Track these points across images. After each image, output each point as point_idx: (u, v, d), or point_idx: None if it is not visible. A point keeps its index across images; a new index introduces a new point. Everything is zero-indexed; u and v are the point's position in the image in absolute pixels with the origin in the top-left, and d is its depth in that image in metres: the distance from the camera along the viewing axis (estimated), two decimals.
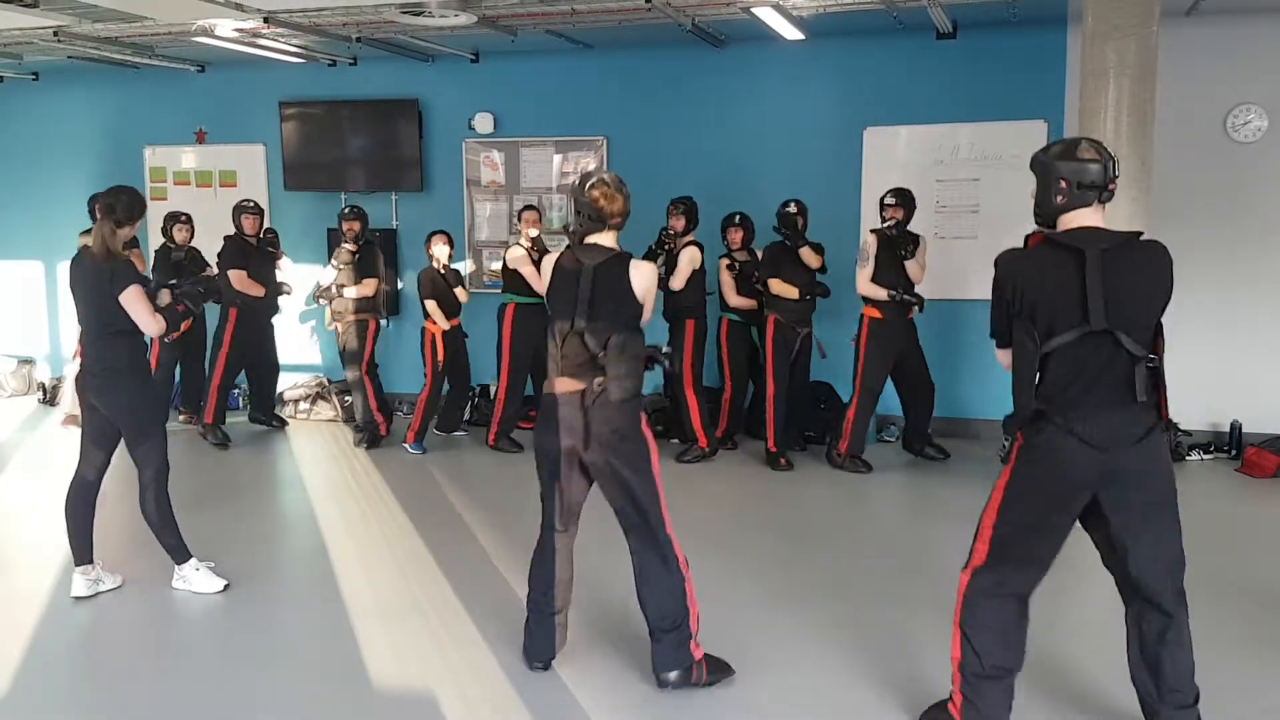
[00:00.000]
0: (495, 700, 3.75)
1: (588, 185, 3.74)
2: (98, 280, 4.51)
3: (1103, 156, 3.13)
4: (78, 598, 4.67)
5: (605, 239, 3.76)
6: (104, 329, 4.55)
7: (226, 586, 4.74)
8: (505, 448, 7.51)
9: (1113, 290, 3.02)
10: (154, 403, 4.77)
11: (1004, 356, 3.27)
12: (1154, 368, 3.06)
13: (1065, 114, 7.21)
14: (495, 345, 7.63)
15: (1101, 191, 3.12)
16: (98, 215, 4.54)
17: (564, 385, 3.71)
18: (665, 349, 3.90)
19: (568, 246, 3.84)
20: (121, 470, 4.90)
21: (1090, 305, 3.01)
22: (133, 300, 4.47)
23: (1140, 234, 3.18)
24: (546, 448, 3.77)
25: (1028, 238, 3.22)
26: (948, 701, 3.40)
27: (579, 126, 8.44)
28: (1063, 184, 3.12)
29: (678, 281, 6.97)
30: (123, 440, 4.68)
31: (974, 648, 3.26)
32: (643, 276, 3.72)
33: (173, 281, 5.03)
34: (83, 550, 4.74)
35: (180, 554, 4.77)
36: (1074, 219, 3.14)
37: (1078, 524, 3.25)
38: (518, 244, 7.54)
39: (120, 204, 4.54)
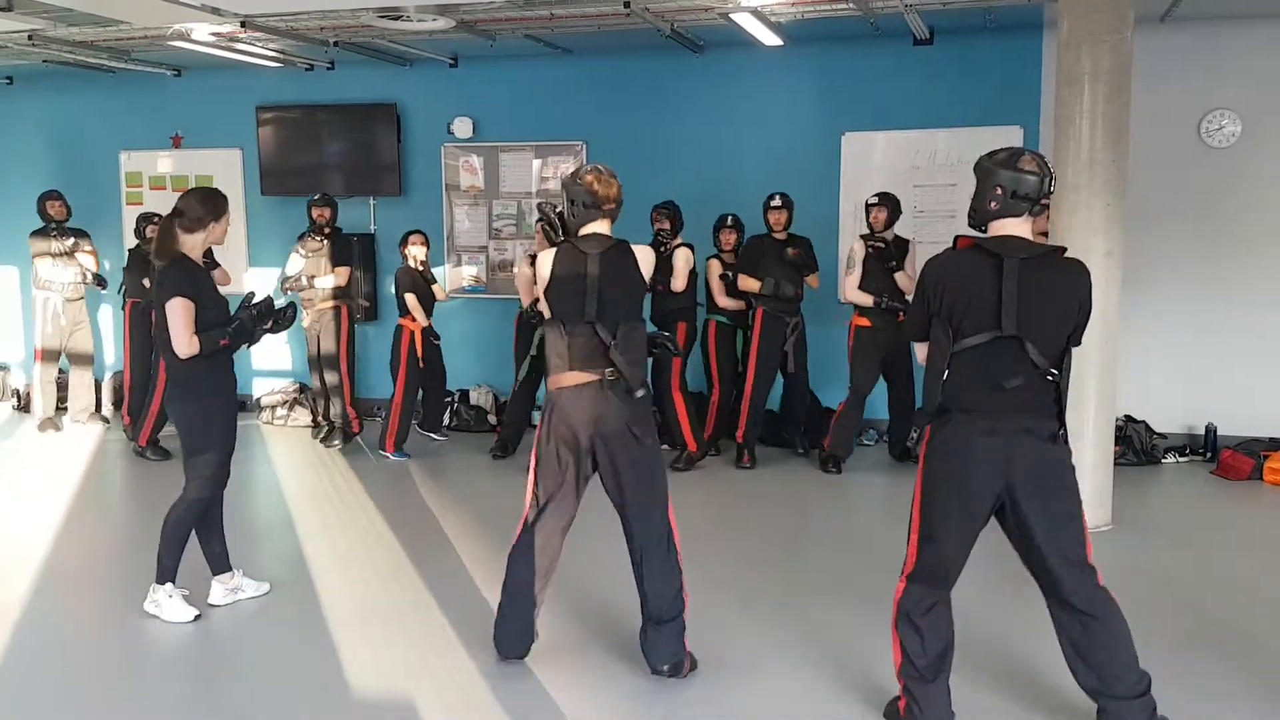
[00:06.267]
0: (474, 704, 3.74)
1: (581, 172, 3.76)
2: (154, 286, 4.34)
3: (1042, 171, 3.20)
4: (212, 605, 4.64)
5: (602, 227, 3.77)
6: (159, 336, 4.36)
7: (197, 617, 4.50)
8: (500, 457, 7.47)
9: (1026, 299, 3.12)
10: (213, 416, 4.48)
11: (921, 351, 3.38)
12: (1053, 382, 3.16)
13: (1041, 120, 7.25)
14: (499, 351, 7.59)
15: (1034, 204, 3.21)
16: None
17: (574, 378, 3.70)
18: (665, 334, 3.96)
19: (564, 241, 3.83)
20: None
21: (1004, 311, 3.11)
22: (173, 313, 4.27)
23: (1064, 249, 3.28)
24: (555, 440, 3.74)
25: (956, 239, 3.33)
26: (898, 699, 3.49)
27: (558, 131, 8.44)
28: (999, 190, 3.21)
29: (679, 282, 6.90)
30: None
31: (908, 653, 3.36)
32: (646, 260, 3.80)
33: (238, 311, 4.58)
34: (217, 561, 4.69)
35: (166, 574, 4.53)
36: (1003, 226, 3.24)
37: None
38: (528, 255, 7.48)
39: (189, 206, 4.38)
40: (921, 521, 3.33)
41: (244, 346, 4.55)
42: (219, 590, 4.69)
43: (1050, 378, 3.15)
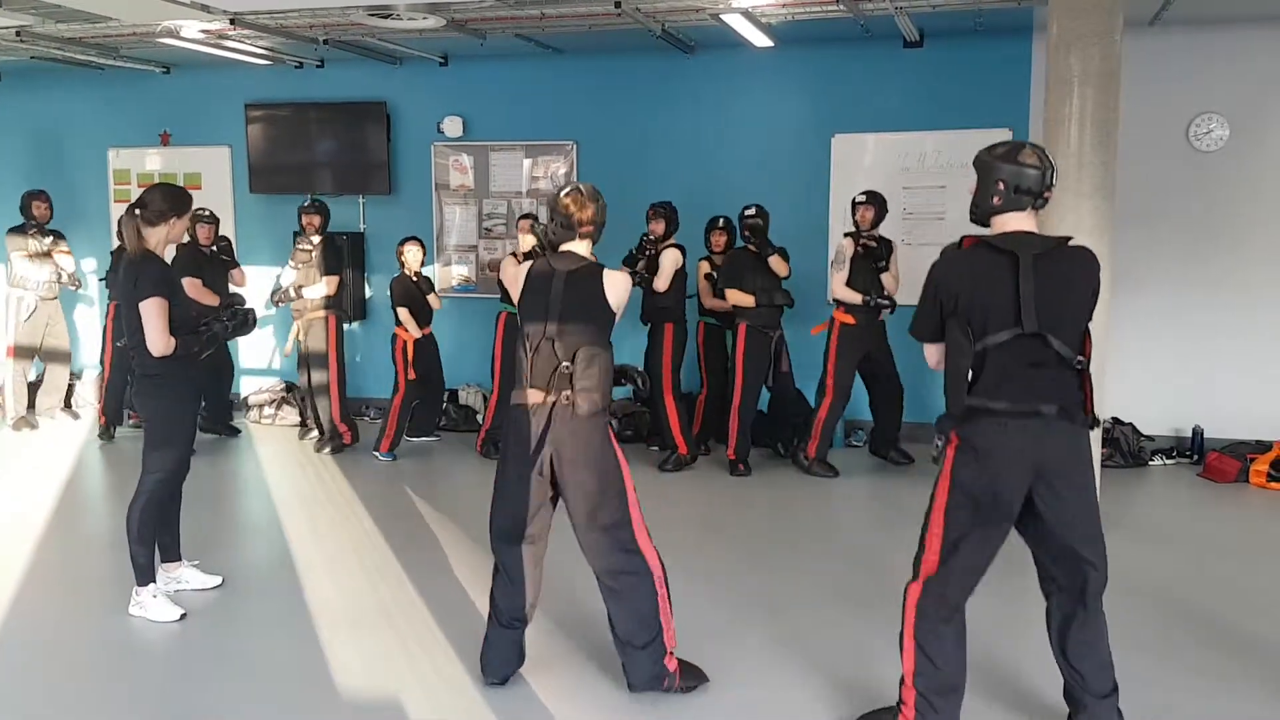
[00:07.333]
0: (464, 709, 3.72)
1: (562, 193, 3.74)
2: (124, 282, 4.35)
3: (1043, 164, 3.18)
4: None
5: (579, 247, 3.74)
6: (134, 333, 4.35)
7: (183, 616, 4.50)
8: (492, 455, 7.41)
9: (1044, 294, 3.09)
10: (180, 413, 4.55)
11: (932, 353, 3.34)
12: (1081, 369, 3.14)
13: (1030, 122, 7.27)
14: (489, 352, 7.55)
15: (1037, 198, 3.19)
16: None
17: (533, 396, 3.65)
18: (640, 371, 3.92)
19: (542, 254, 3.82)
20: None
21: (1023, 308, 3.08)
22: (150, 312, 4.27)
23: (1070, 239, 3.26)
24: (514, 458, 3.69)
25: (963, 239, 3.28)
26: (896, 714, 3.39)
27: (549, 131, 8.43)
28: (1001, 185, 3.19)
29: (661, 282, 6.93)
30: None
31: (932, 660, 3.27)
32: (616, 286, 3.69)
33: (211, 320, 4.62)
34: (165, 549, 4.78)
35: (145, 575, 4.55)
36: (1007, 221, 3.22)
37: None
38: (512, 254, 7.48)
39: (153, 199, 4.38)
40: (947, 529, 3.22)
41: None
42: (160, 577, 4.70)
43: (1077, 366, 3.13)
